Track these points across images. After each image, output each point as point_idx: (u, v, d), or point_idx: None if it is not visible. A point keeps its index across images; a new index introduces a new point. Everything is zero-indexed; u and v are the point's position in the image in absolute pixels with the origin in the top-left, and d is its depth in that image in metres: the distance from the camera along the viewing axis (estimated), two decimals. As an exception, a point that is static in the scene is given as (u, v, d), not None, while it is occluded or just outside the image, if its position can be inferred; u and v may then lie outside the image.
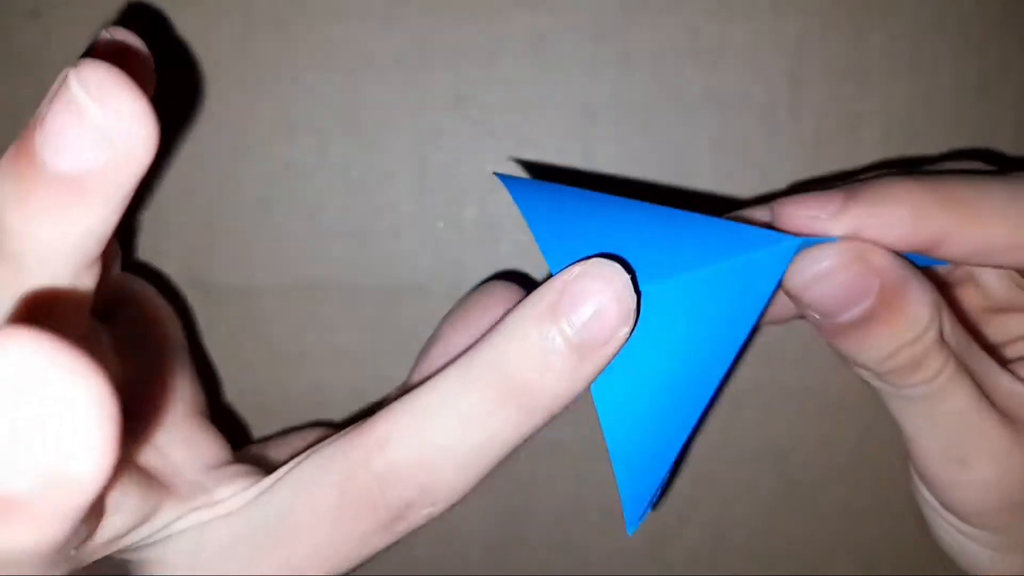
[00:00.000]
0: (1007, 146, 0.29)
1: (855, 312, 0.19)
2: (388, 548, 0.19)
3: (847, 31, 0.29)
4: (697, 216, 0.19)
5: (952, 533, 0.22)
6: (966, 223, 0.19)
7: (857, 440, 0.30)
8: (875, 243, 0.19)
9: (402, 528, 0.19)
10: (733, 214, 0.25)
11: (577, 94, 0.29)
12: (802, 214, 0.19)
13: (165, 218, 0.29)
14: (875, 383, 0.21)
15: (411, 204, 0.29)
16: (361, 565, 0.19)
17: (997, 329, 0.23)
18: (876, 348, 0.19)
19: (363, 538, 0.18)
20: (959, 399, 0.20)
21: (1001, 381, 0.20)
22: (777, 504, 0.31)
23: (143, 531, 0.19)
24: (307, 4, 0.29)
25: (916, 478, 0.23)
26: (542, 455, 0.31)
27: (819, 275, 0.19)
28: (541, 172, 0.29)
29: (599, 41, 0.29)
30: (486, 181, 0.29)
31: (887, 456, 0.30)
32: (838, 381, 0.30)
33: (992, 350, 0.23)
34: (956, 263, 0.21)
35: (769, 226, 0.20)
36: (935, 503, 0.22)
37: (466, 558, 0.31)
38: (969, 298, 0.24)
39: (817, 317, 0.20)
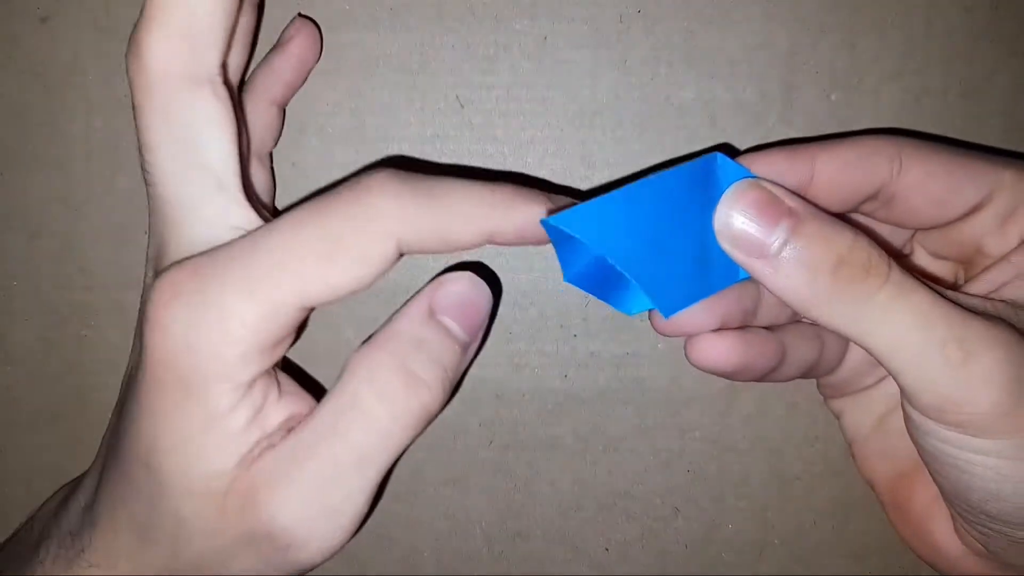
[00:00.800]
0: (995, 150, 0.29)
1: (787, 223, 0.21)
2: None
3: (838, 38, 0.29)
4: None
5: (959, 462, 0.21)
6: (823, 152, 0.24)
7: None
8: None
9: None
10: None
11: (575, 99, 0.29)
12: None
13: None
14: (850, 314, 0.21)
15: (413, 206, 0.30)
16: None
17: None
18: (820, 262, 0.21)
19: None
20: (927, 292, 0.20)
21: (952, 292, 0.22)
22: (769, 498, 0.31)
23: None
24: (314, 11, 0.29)
25: (915, 416, 0.22)
26: (540, 452, 0.31)
27: (733, 195, 0.22)
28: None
29: (597, 48, 0.29)
30: (486, 183, 0.30)
31: (876, 451, 0.30)
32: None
33: None
34: (835, 187, 0.24)
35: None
36: (941, 431, 0.21)
37: (467, 553, 0.31)
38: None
39: (762, 268, 0.21)
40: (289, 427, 0.22)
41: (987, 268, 0.24)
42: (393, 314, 0.22)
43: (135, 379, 0.22)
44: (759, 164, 0.23)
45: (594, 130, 0.29)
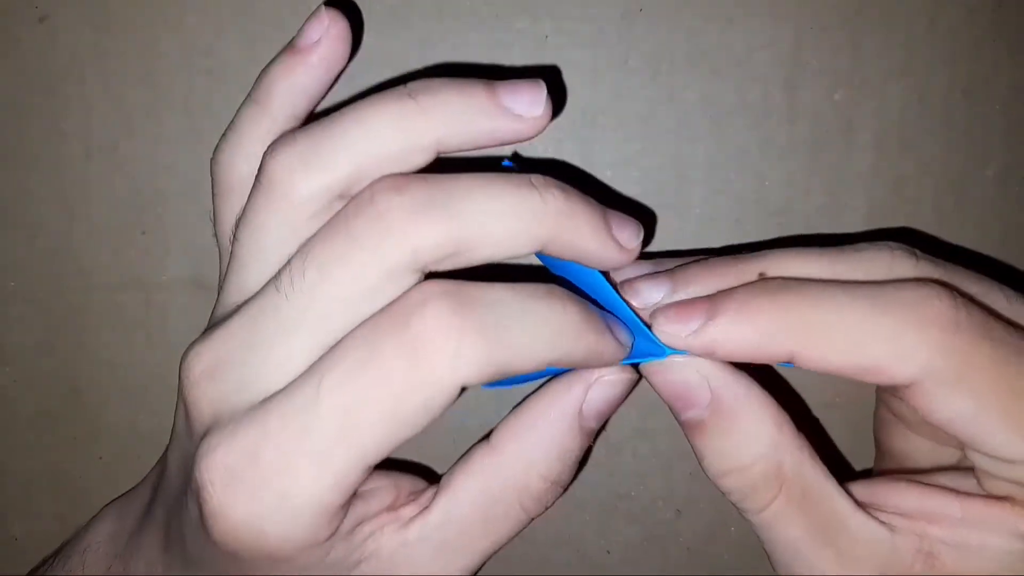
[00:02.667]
0: (998, 149, 0.29)
1: (691, 415, 0.21)
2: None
3: (842, 37, 0.29)
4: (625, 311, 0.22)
5: None
6: (813, 349, 0.20)
7: (850, 438, 0.30)
8: (728, 359, 0.21)
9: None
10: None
11: (577, 98, 0.29)
12: (667, 330, 0.21)
13: (168, 218, 0.30)
14: (736, 506, 0.22)
15: (413, 206, 0.30)
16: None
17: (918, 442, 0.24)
18: (711, 461, 0.21)
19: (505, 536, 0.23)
20: (791, 533, 0.21)
21: (850, 523, 0.21)
22: (772, 500, 0.31)
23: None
24: (310, 8, 0.29)
25: None
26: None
27: (658, 371, 0.22)
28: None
29: (598, 46, 0.29)
30: (487, 183, 0.30)
31: (880, 453, 0.30)
32: (832, 381, 0.30)
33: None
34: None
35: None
36: None
37: (467, 554, 0.31)
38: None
39: (681, 418, 0.22)
40: (395, 507, 0.22)
41: (937, 490, 0.22)
42: (533, 395, 0.22)
43: (202, 538, 0.20)
44: (725, 338, 0.21)
45: (595, 130, 0.29)
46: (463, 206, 0.19)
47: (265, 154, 0.21)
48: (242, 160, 0.23)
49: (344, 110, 0.21)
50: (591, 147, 0.29)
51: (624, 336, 0.22)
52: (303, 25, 0.23)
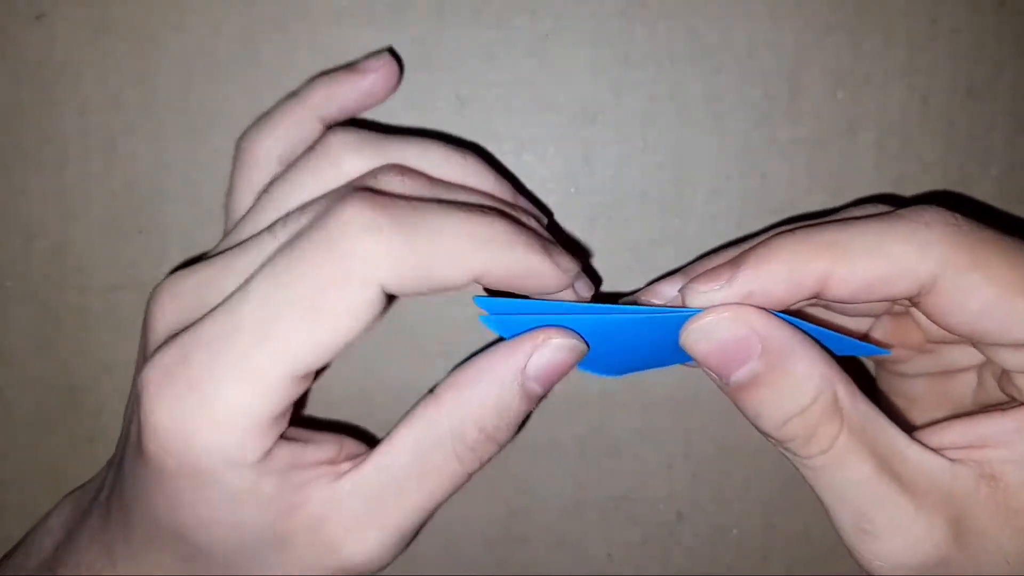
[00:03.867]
0: (1001, 149, 0.29)
1: (743, 373, 0.20)
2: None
3: (844, 37, 0.29)
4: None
5: None
6: (840, 264, 0.20)
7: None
8: (766, 306, 0.21)
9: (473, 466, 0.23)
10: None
11: (577, 96, 0.29)
12: (701, 290, 0.21)
13: (168, 218, 0.30)
14: (782, 452, 0.21)
15: (413, 205, 0.30)
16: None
17: (946, 358, 0.24)
18: (769, 414, 0.21)
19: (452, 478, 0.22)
20: (857, 470, 0.20)
21: (908, 453, 0.21)
22: (775, 502, 0.31)
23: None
24: (310, 7, 0.29)
25: None
26: (542, 455, 0.31)
27: (701, 331, 0.21)
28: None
29: (599, 44, 0.29)
30: (487, 183, 0.30)
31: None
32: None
33: (904, 422, 0.24)
34: (848, 302, 0.22)
35: None
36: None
37: (467, 557, 0.31)
38: (912, 333, 0.25)
39: (716, 378, 0.21)
40: (335, 462, 0.22)
41: (982, 414, 0.22)
42: (480, 353, 0.22)
43: (137, 461, 0.21)
44: (755, 278, 0.21)
45: (596, 128, 0.29)
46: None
47: (328, 132, 0.24)
48: (270, 139, 0.25)
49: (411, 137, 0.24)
50: (591, 146, 0.29)
51: (567, 262, 0.22)
52: (368, 58, 0.27)
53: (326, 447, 0.22)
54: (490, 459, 0.23)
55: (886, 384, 0.27)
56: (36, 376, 0.31)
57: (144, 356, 0.23)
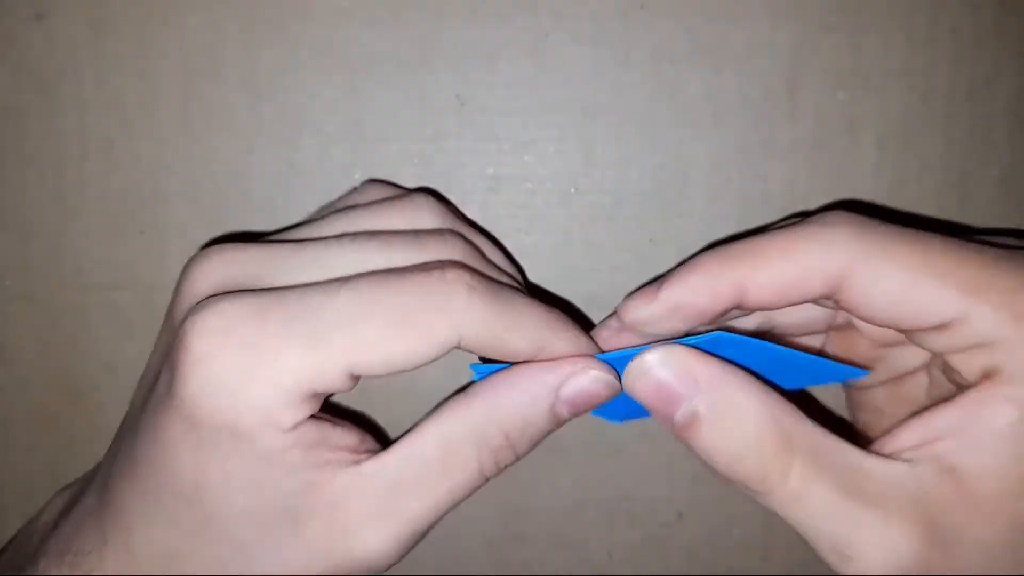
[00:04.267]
0: (1002, 150, 0.29)
1: (683, 414, 0.21)
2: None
3: (843, 36, 0.29)
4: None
5: None
6: (753, 271, 0.21)
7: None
8: (693, 318, 0.22)
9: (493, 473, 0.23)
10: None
11: (577, 96, 0.29)
12: (632, 307, 0.23)
13: (168, 218, 0.30)
14: (746, 492, 0.22)
15: (413, 205, 0.30)
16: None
17: (896, 362, 0.25)
18: (718, 455, 0.21)
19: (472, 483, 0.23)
20: (820, 497, 0.20)
21: (867, 466, 0.21)
22: (774, 502, 0.31)
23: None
24: (310, 7, 0.29)
25: None
26: (542, 455, 0.31)
27: (638, 371, 0.22)
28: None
29: (599, 44, 0.29)
30: (487, 183, 0.30)
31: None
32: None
33: (860, 434, 0.25)
34: (769, 307, 0.22)
35: None
36: None
37: (467, 555, 0.31)
38: (858, 342, 0.25)
39: (666, 423, 0.22)
40: (357, 451, 0.22)
41: (931, 409, 0.21)
42: (515, 368, 0.23)
43: (164, 408, 0.21)
44: (677, 290, 0.22)
45: (596, 128, 0.29)
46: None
47: (417, 193, 0.26)
48: None
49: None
50: (592, 146, 0.29)
51: (591, 342, 0.24)
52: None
53: (351, 434, 0.22)
54: (505, 469, 0.23)
55: (852, 401, 0.27)
56: (36, 376, 0.31)
57: (179, 309, 0.22)
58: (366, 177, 0.29)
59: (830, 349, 0.26)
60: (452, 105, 0.29)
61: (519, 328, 0.22)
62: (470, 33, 0.29)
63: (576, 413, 0.23)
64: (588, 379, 0.22)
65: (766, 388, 0.21)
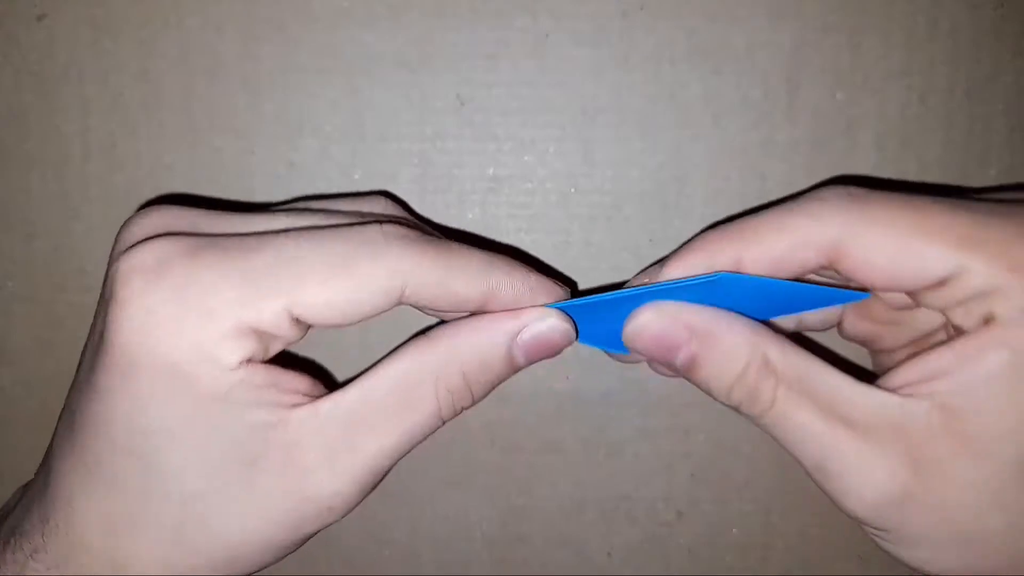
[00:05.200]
0: (1000, 150, 0.29)
1: (681, 358, 0.23)
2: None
3: (843, 36, 0.29)
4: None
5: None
6: (749, 246, 0.23)
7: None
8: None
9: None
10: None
11: (577, 97, 0.29)
12: (635, 283, 0.24)
13: (169, 219, 0.30)
14: (748, 417, 0.23)
15: (413, 205, 0.30)
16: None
17: (914, 325, 0.25)
18: (715, 387, 0.23)
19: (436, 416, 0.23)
20: (802, 418, 0.22)
21: (853, 395, 0.22)
22: (774, 501, 0.31)
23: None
24: (310, 7, 0.29)
25: None
26: (542, 455, 0.31)
27: (635, 330, 0.23)
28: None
29: (599, 44, 0.29)
30: (487, 183, 0.30)
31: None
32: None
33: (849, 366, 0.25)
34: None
35: None
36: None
37: (467, 556, 0.31)
38: (875, 308, 0.26)
39: (665, 369, 0.24)
40: (310, 394, 0.22)
41: (929, 350, 0.22)
42: (484, 314, 0.23)
43: (99, 358, 0.21)
44: (678, 269, 0.23)
45: (596, 128, 0.29)
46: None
47: (382, 196, 0.27)
48: None
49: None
50: (591, 146, 0.29)
51: (559, 286, 0.24)
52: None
53: (303, 379, 0.22)
54: (460, 412, 0.23)
55: (878, 367, 0.27)
56: (37, 376, 0.31)
57: (113, 257, 0.22)
58: (366, 177, 0.29)
59: (848, 320, 0.26)
60: (452, 105, 0.29)
61: (462, 271, 0.22)
62: (470, 33, 0.29)
63: (531, 359, 0.24)
64: (546, 326, 0.23)
65: (754, 324, 0.23)
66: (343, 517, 0.22)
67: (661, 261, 0.24)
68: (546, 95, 0.29)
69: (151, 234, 0.22)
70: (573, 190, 0.30)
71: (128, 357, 0.20)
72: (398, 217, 0.25)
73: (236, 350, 0.20)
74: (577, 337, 0.24)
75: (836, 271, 0.23)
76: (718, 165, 0.29)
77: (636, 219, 0.30)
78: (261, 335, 0.21)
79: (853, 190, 0.22)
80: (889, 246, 0.21)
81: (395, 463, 0.23)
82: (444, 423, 0.23)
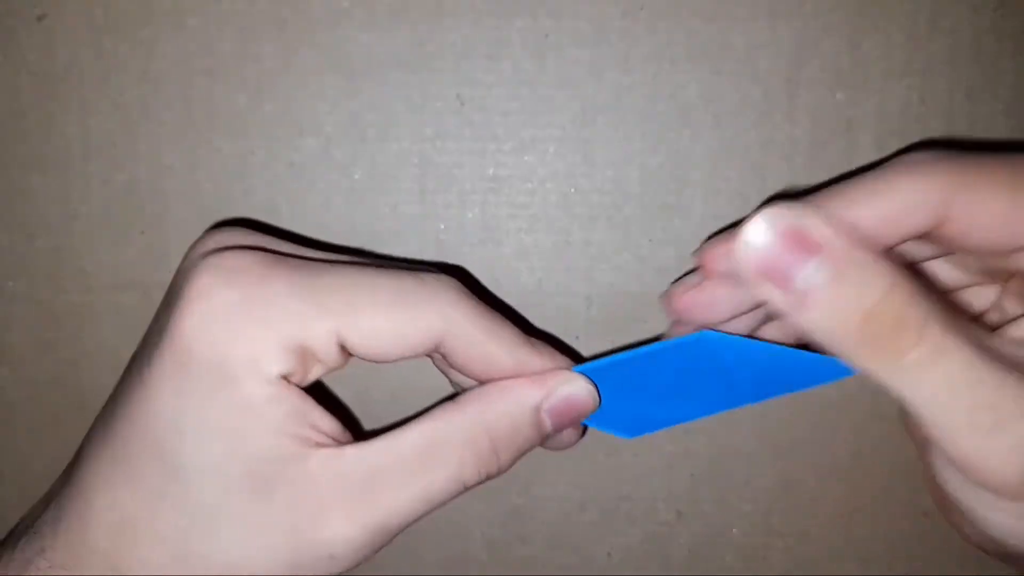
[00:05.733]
0: (1000, 150, 0.29)
1: (810, 271, 0.18)
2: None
3: (843, 36, 0.29)
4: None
5: (997, 515, 0.20)
6: (858, 210, 0.21)
7: (854, 438, 0.30)
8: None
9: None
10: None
11: (577, 97, 0.29)
12: (715, 262, 0.24)
13: (169, 218, 0.30)
14: (876, 369, 0.19)
15: (413, 206, 0.30)
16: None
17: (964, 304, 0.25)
18: (846, 314, 0.18)
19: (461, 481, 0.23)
20: (959, 354, 0.18)
21: (994, 340, 0.20)
22: (775, 502, 0.31)
23: None
24: (310, 8, 0.29)
25: (943, 467, 0.21)
26: (542, 455, 0.31)
27: (757, 227, 0.18)
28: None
29: (599, 44, 0.29)
30: (487, 183, 0.30)
31: (884, 454, 0.30)
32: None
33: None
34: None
35: None
36: (963, 481, 0.20)
37: (469, 556, 0.31)
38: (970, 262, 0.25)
39: (777, 295, 0.19)
40: (338, 439, 0.22)
41: None
42: (502, 383, 0.23)
43: (156, 345, 0.21)
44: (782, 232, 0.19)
45: (596, 128, 0.29)
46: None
47: None
48: None
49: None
50: (591, 146, 0.29)
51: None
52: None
53: (334, 422, 0.22)
54: (485, 479, 0.23)
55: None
56: (37, 376, 0.31)
57: (187, 262, 0.23)
58: (366, 177, 0.29)
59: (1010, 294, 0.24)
60: (452, 105, 0.29)
61: (501, 338, 0.23)
62: (470, 33, 0.29)
63: (559, 424, 0.24)
64: (572, 387, 0.23)
65: (888, 255, 0.19)
66: (345, 571, 0.22)
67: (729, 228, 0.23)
68: (546, 95, 0.29)
69: (225, 246, 0.23)
70: (573, 190, 0.30)
71: (185, 350, 0.21)
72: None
73: (279, 361, 0.21)
74: (601, 400, 0.24)
75: (938, 241, 0.22)
76: (718, 165, 0.29)
77: (636, 219, 0.30)
78: (304, 354, 0.21)
79: (948, 153, 0.22)
80: (999, 204, 0.21)
81: (407, 526, 0.22)
82: (467, 488, 0.23)
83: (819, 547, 0.31)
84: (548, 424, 0.23)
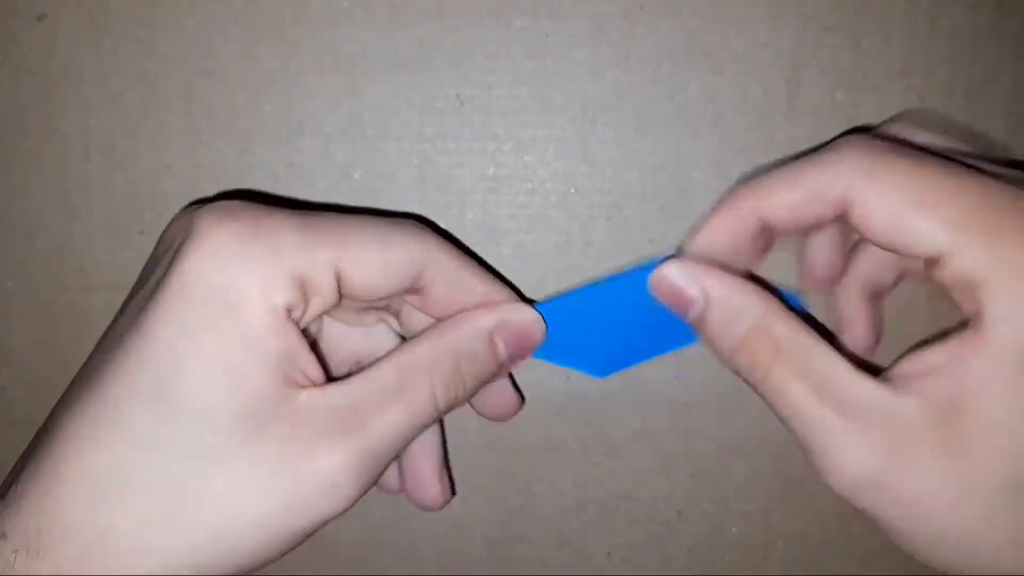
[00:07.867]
0: (1000, 150, 0.29)
1: (692, 313, 0.24)
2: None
3: (843, 37, 0.29)
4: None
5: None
6: (768, 199, 0.23)
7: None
8: (728, 250, 0.24)
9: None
10: None
11: (577, 97, 0.29)
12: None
13: (167, 218, 0.30)
14: (753, 385, 0.24)
15: (413, 206, 0.30)
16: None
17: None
18: (719, 347, 0.24)
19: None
20: (793, 393, 0.22)
21: (847, 380, 0.22)
22: (773, 501, 0.31)
23: None
24: (310, 8, 0.29)
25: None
26: (542, 454, 0.31)
27: (658, 279, 0.24)
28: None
29: (599, 45, 0.29)
30: (487, 183, 0.30)
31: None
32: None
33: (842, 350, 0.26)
34: (786, 231, 0.24)
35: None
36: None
37: (468, 555, 0.31)
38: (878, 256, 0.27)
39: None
40: (320, 384, 0.23)
41: (929, 344, 0.22)
42: (457, 315, 0.25)
43: (161, 290, 0.21)
44: (701, 239, 0.25)
45: (596, 128, 0.29)
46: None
47: None
48: None
49: None
50: (592, 146, 0.29)
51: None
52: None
53: (319, 369, 0.23)
54: (458, 402, 0.24)
55: None
56: (37, 376, 0.31)
57: (178, 220, 0.24)
58: (366, 177, 0.29)
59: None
60: (452, 105, 0.29)
61: (473, 268, 0.25)
62: (470, 33, 0.29)
63: (514, 353, 0.25)
64: (520, 314, 0.26)
65: (765, 295, 0.23)
66: (342, 509, 0.22)
67: (691, 232, 0.25)
68: (546, 95, 0.29)
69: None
70: (573, 190, 0.30)
71: (193, 282, 0.21)
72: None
73: (285, 291, 0.22)
74: (547, 331, 0.26)
75: (855, 230, 0.23)
76: (718, 165, 0.29)
77: (636, 219, 0.30)
78: (305, 287, 0.22)
79: (873, 143, 0.23)
80: (887, 211, 0.21)
81: (398, 451, 0.23)
82: (440, 413, 0.24)
83: (819, 546, 0.31)
84: (502, 348, 0.25)
